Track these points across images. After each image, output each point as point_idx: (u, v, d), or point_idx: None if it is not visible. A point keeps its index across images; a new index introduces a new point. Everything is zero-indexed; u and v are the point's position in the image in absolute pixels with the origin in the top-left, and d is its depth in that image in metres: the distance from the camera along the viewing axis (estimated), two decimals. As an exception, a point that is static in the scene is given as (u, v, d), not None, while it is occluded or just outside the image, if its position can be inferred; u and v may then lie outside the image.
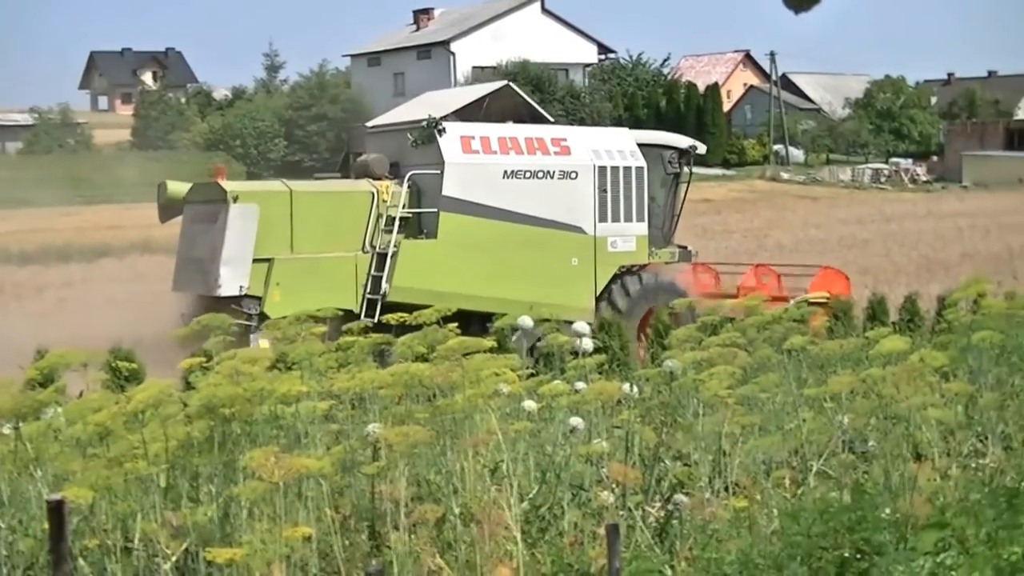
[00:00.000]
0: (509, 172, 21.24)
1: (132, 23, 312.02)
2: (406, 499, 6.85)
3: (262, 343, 17.57)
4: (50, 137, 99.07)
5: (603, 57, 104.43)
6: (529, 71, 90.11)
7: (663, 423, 8.35)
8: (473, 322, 18.05)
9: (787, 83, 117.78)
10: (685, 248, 23.77)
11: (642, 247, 22.42)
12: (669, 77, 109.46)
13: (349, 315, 17.42)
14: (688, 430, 8.28)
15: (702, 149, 24.19)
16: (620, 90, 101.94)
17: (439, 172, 20.68)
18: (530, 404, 8.25)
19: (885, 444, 8.10)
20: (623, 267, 22.14)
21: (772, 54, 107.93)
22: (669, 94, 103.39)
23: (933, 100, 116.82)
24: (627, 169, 22.26)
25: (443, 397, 7.36)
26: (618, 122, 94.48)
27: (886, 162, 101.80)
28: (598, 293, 21.84)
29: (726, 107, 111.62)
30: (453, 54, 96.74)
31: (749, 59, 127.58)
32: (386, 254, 20.25)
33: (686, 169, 23.39)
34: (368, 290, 20.20)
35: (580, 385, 8.53)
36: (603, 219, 21.98)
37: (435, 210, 20.68)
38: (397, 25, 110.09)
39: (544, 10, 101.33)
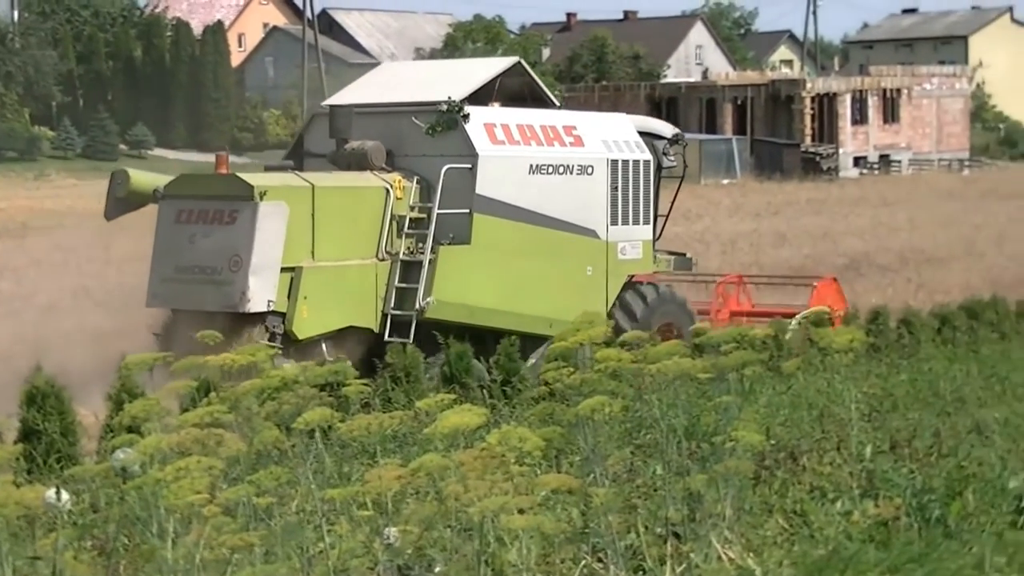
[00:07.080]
0: (534, 167, 20.07)
1: None
2: None
3: (287, 368, 14.89)
4: None
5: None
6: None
7: (117, 548, 6.59)
8: (487, 341, 17.81)
9: (330, 24, 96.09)
10: (683, 255, 22.82)
11: (647, 254, 21.28)
12: (147, 12, 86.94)
13: (359, 335, 18.01)
14: (150, 558, 6.32)
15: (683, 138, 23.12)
16: (71, 31, 79.42)
17: (469, 167, 19.32)
18: None
19: (452, 567, 6.28)
20: (629, 277, 20.99)
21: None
22: (148, 38, 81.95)
23: (546, 53, 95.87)
24: (635, 163, 21.10)
25: None
26: (69, 79, 76.53)
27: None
28: (608, 309, 20.40)
29: (236, 59, 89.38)
30: None
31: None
32: (414, 263, 19.01)
33: (672, 161, 22.11)
34: (393, 305, 18.97)
35: (-25, 493, 6.28)
36: (614, 222, 20.81)
37: (467, 211, 19.38)
38: None
39: None
